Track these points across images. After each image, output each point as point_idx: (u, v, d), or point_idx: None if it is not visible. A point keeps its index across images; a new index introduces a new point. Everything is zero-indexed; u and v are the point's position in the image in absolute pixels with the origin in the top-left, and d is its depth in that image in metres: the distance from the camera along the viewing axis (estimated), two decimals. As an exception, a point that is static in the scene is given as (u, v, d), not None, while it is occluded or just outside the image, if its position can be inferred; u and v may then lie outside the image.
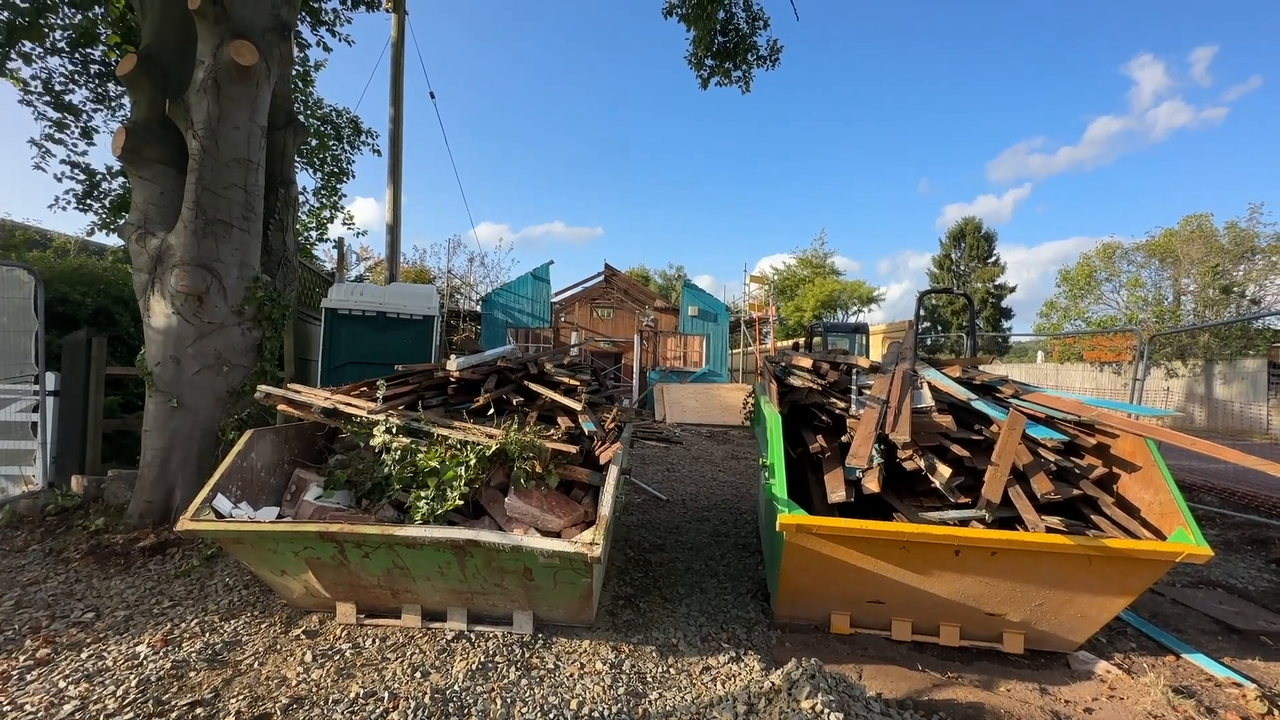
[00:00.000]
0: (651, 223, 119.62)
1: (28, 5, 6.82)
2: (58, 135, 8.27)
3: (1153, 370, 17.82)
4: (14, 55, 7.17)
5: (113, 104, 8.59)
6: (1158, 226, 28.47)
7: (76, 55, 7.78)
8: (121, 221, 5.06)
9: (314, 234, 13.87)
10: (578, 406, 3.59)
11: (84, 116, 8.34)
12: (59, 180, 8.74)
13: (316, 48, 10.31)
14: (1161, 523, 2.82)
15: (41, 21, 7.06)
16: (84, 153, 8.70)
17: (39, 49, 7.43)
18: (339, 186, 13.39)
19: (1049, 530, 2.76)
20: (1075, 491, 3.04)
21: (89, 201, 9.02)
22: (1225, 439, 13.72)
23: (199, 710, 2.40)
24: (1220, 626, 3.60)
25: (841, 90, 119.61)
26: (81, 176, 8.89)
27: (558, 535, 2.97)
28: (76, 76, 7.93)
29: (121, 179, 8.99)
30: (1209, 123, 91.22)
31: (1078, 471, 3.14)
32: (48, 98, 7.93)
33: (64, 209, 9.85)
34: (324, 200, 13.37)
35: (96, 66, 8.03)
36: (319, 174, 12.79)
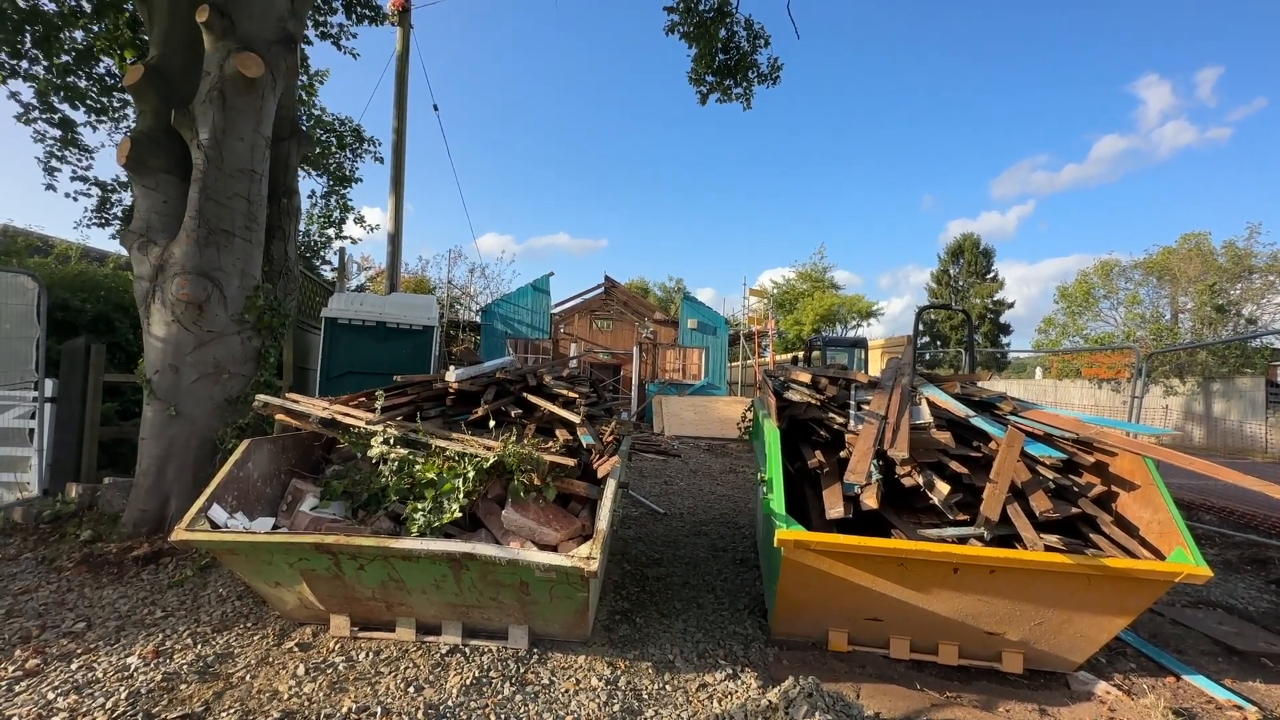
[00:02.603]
0: (654, 235, 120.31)
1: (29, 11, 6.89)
2: (60, 151, 8.32)
3: (1151, 388, 17.88)
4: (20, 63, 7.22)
5: (116, 115, 8.65)
6: (1156, 244, 28.67)
7: (80, 70, 7.84)
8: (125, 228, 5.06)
9: (331, 232, 14.07)
10: (576, 419, 3.59)
11: (80, 132, 8.39)
12: (74, 200, 8.87)
13: (318, 59, 10.50)
14: (1160, 542, 2.82)
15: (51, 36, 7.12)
16: (88, 166, 8.76)
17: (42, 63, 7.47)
18: (345, 193, 13.58)
19: (1048, 549, 2.75)
20: (1074, 510, 3.03)
21: (104, 215, 9.14)
22: (1224, 457, 13.73)
23: (189, 724, 2.37)
24: (1220, 647, 3.57)
25: (845, 105, 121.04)
26: (95, 191, 9.00)
27: (555, 549, 2.95)
28: (77, 89, 7.97)
29: (128, 191, 9.07)
30: (1213, 142, 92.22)
31: (1076, 490, 3.14)
32: (48, 114, 7.97)
33: (88, 227, 9.96)
34: (333, 203, 13.58)
35: (104, 80, 8.09)
36: (326, 179, 12.98)
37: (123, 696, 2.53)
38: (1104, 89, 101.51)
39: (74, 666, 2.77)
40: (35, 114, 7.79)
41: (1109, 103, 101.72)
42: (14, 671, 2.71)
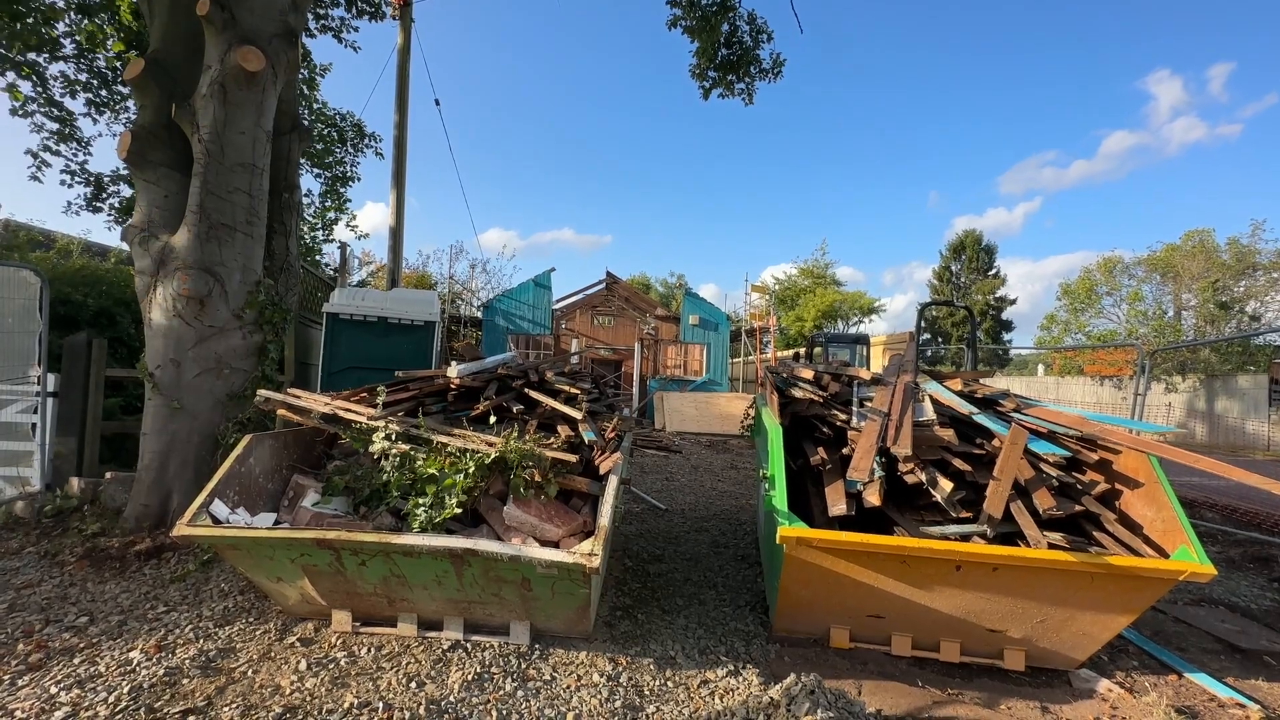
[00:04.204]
0: (658, 231, 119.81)
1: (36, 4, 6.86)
2: (56, 146, 8.26)
3: (1153, 385, 17.83)
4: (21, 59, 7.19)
5: (117, 108, 8.62)
6: (1159, 241, 28.57)
7: (81, 61, 7.80)
8: (126, 223, 5.04)
9: (320, 234, 13.98)
10: (578, 415, 3.58)
11: (79, 125, 8.34)
12: (69, 187, 8.82)
13: (320, 54, 10.46)
14: (1164, 540, 2.81)
15: (44, 30, 7.08)
16: (84, 161, 8.71)
17: (43, 55, 7.42)
18: (343, 191, 13.51)
19: (1051, 546, 2.74)
20: (1077, 507, 3.02)
21: (98, 204, 9.10)
22: (1226, 455, 13.70)
23: (191, 718, 2.38)
24: (1223, 645, 3.57)
25: (850, 101, 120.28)
26: (87, 179, 8.95)
27: (556, 545, 2.95)
28: (78, 82, 7.92)
29: (125, 183, 9.04)
30: (1223, 139, 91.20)
31: (1080, 487, 3.13)
32: (48, 108, 7.93)
33: (76, 214, 9.98)
34: (328, 203, 13.48)
35: (103, 73, 8.06)
36: (322, 178, 12.91)
37: (125, 691, 2.53)
38: (1115, 85, 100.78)
39: (76, 661, 2.78)
40: (33, 107, 7.76)
41: (1119, 98, 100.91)
42: (17, 666, 2.72)
